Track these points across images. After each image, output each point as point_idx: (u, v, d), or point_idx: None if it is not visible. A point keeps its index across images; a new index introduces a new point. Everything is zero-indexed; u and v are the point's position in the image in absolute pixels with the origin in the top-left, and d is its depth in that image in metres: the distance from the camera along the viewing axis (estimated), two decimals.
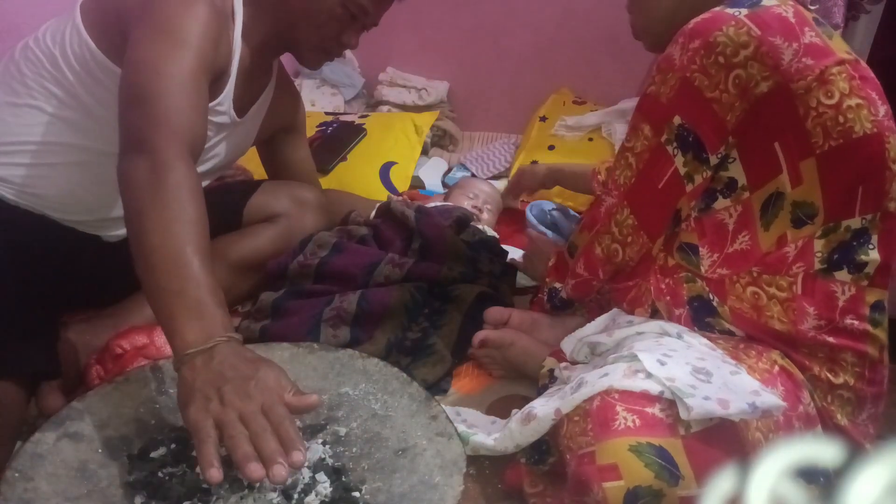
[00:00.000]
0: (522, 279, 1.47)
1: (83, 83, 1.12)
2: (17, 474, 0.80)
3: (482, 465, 0.99)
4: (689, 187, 0.96)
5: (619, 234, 1.02)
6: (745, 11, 0.89)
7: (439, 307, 1.26)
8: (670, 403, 0.82)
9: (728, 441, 0.81)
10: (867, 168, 0.90)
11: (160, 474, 0.84)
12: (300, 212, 1.41)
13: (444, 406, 0.99)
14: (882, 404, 0.97)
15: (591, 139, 2.05)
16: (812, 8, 0.97)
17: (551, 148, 2.05)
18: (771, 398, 0.81)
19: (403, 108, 2.34)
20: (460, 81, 2.39)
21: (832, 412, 0.94)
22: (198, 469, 0.83)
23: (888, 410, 1.01)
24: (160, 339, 1.16)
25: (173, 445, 0.89)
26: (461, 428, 0.99)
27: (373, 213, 1.55)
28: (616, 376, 0.85)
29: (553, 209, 1.63)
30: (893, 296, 0.96)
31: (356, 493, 0.85)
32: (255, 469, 0.74)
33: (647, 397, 0.83)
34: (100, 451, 0.87)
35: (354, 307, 1.21)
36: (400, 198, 1.61)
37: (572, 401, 0.86)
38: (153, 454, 0.87)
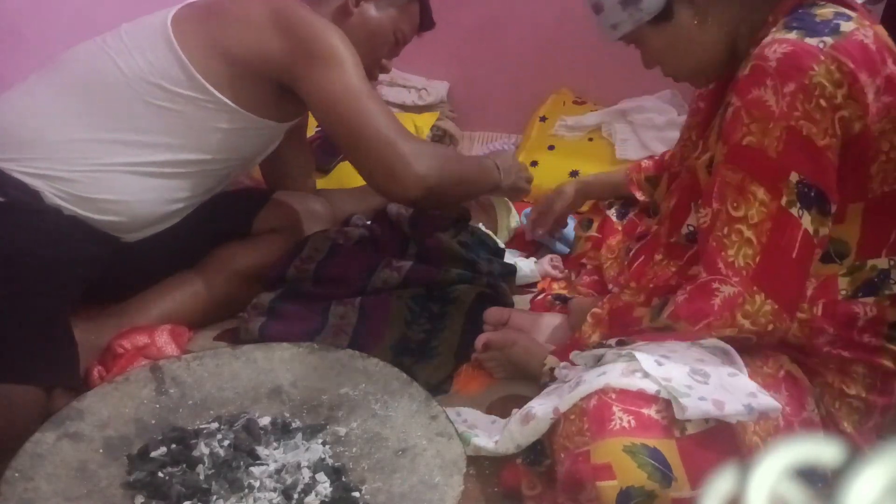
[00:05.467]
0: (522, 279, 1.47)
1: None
2: (17, 474, 0.80)
3: (482, 465, 0.99)
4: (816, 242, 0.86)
5: (751, 326, 0.85)
6: (829, 41, 0.82)
7: (439, 310, 1.26)
8: (666, 404, 0.82)
9: (724, 444, 0.81)
10: None
11: (160, 474, 0.84)
12: (309, 224, 1.42)
13: (444, 406, 0.99)
14: (890, 415, 0.97)
15: (591, 139, 2.05)
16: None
17: (551, 148, 2.04)
18: (768, 400, 0.80)
19: (403, 108, 2.34)
20: (460, 81, 2.39)
21: (838, 419, 0.93)
22: (198, 469, 0.84)
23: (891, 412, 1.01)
24: (161, 338, 1.16)
25: (173, 445, 0.89)
26: (462, 429, 0.99)
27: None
28: (613, 375, 0.85)
29: None
30: None
31: (356, 493, 0.85)
32: None
33: (643, 397, 0.83)
34: (100, 451, 0.87)
35: (355, 323, 1.21)
36: None
37: (570, 399, 0.86)
38: (153, 454, 0.87)
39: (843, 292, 0.91)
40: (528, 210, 1.59)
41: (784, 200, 0.83)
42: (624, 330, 0.99)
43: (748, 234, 0.85)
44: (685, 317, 0.89)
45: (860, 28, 0.84)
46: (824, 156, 0.82)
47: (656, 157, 1.42)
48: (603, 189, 1.46)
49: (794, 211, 0.83)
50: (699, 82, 1.04)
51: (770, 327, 0.86)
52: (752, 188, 0.84)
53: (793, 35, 0.84)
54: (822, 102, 0.80)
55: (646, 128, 1.97)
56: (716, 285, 0.86)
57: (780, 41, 0.84)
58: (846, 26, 0.84)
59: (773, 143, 0.83)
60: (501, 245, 1.52)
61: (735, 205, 0.86)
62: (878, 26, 0.87)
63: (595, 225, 1.45)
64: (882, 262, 0.91)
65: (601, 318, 1.04)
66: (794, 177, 0.83)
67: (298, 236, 1.39)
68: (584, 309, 1.09)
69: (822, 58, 0.81)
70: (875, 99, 0.83)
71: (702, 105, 1.14)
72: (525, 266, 1.47)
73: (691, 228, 1.05)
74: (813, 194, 0.83)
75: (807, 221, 0.84)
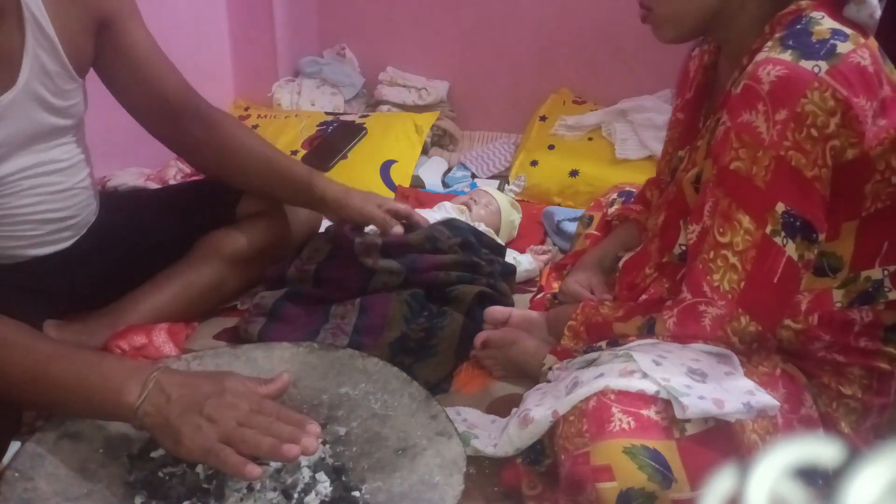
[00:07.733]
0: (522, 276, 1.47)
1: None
2: (17, 474, 0.80)
3: (482, 465, 0.99)
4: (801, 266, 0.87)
5: (740, 343, 0.88)
6: (825, 66, 0.80)
7: (439, 308, 1.26)
8: (666, 405, 0.82)
9: (723, 444, 0.81)
10: None
11: (160, 474, 0.84)
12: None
13: (444, 406, 0.99)
14: (886, 415, 0.97)
15: (590, 139, 2.05)
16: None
17: (551, 147, 2.05)
18: (766, 398, 0.81)
19: (403, 107, 2.34)
20: (460, 81, 2.39)
21: (836, 419, 0.94)
22: (198, 469, 0.84)
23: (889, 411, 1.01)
24: (159, 338, 1.16)
25: None
26: (462, 428, 0.99)
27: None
28: (611, 376, 0.85)
29: (562, 220, 1.66)
30: None
31: (356, 493, 0.85)
32: (290, 449, 0.75)
33: (642, 398, 0.83)
34: (100, 451, 0.87)
35: (354, 320, 1.21)
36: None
37: (569, 401, 0.86)
38: (153, 454, 0.87)
39: (839, 304, 0.92)
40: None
41: (769, 229, 0.84)
42: (601, 340, 0.99)
43: (733, 260, 0.86)
44: (683, 341, 0.91)
45: (857, 48, 0.82)
46: (812, 187, 0.82)
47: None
48: (614, 261, 1.24)
49: (778, 240, 0.84)
50: (665, 32, 0.94)
51: (754, 346, 0.89)
52: (737, 216, 0.85)
53: (787, 56, 0.82)
54: (814, 132, 0.80)
55: (645, 127, 1.97)
56: (702, 308, 0.89)
57: (773, 62, 0.82)
58: (842, 47, 0.82)
59: (760, 172, 0.83)
60: (502, 243, 1.53)
61: (721, 230, 0.87)
62: (871, 41, 0.85)
63: (595, 222, 1.45)
64: (875, 273, 0.91)
65: (577, 330, 1.05)
66: (780, 207, 0.83)
67: (283, 218, 1.37)
68: (562, 319, 1.10)
69: (816, 84, 0.79)
70: (873, 122, 0.82)
71: (680, 116, 1.11)
72: (524, 260, 1.49)
73: (683, 248, 1.03)
74: (798, 224, 0.84)
75: (791, 249, 0.84)
